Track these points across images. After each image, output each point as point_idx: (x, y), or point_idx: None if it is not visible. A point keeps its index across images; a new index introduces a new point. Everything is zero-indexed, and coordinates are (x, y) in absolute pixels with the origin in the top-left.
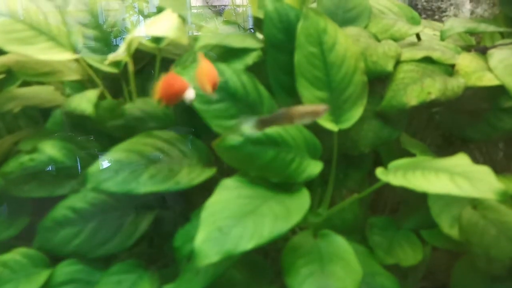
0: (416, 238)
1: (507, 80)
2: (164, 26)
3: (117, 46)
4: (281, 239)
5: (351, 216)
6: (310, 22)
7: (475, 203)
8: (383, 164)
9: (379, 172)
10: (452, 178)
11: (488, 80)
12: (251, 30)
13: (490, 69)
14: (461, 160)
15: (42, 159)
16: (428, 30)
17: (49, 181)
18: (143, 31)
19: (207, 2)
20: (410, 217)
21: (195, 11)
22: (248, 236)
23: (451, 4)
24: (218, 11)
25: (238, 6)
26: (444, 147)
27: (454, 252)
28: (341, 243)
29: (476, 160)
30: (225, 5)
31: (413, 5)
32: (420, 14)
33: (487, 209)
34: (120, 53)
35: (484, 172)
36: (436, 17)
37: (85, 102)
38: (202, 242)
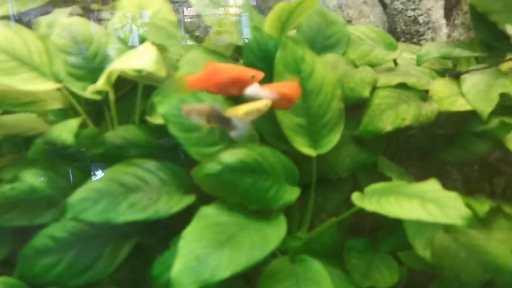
0: (393, 260)
1: (478, 105)
2: (143, 59)
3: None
4: (262, 263)
5: (330, 239)
6: (289, 51)
7: (447, 226)
8: (362, 187)
9: (355, 197)
10: (423, 204)
11: (461, 105)
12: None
13: (462, 94)
14: (432, 186)
15: (23, 188)
16: (406, 54)
17: (30, 209)
18: (122, 64)
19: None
20: (388, 239)
21: (189, 20)
22: (225, 265)
23: (428, 28)
24: None
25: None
26: (422, 167)
27: (429, 273)
28: (317, 269)
29: (454, 180)
30: (217, 14)
31: (392, 28)
32: (399, 38)
33: (459, 232)
34: (100, 85)
35: (453, 198)
36: (415, 40)
37: (66, 132)
38: (179, 272)
